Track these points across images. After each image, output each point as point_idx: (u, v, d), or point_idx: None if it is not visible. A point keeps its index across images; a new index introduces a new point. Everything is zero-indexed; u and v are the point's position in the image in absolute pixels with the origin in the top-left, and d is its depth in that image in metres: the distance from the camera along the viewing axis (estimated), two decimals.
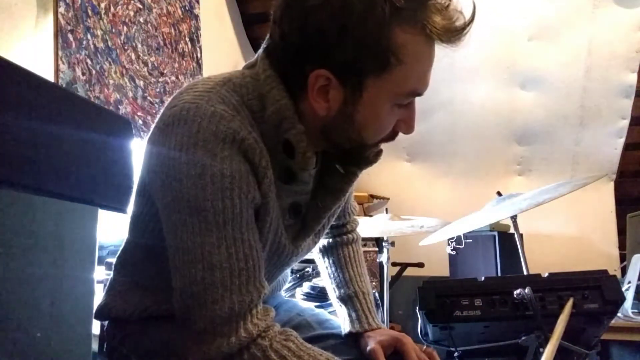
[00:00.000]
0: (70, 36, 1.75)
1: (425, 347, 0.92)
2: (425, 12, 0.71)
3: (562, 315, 1.01)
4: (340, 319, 1.02)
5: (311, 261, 1.24)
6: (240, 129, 0.72)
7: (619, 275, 2.70)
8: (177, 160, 0.71)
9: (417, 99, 0.80)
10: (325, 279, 1.09)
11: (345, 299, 1.02)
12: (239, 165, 0.72)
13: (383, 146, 0.86)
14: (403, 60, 0.72)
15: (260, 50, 0.81)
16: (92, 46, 1.85)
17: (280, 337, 0.73)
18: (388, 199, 3.44)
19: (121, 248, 0.93)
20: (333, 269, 1.07)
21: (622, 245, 3.02)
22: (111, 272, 0.94)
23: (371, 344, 0.92)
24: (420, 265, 2.92)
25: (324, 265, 1.10)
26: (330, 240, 1.10)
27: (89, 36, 1.84)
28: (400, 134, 0.83)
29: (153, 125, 0.78)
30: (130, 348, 0.88)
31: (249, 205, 0.73)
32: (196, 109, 0.72)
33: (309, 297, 1.67)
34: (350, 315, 1.00)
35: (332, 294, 1.06)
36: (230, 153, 0.71)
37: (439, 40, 0.73)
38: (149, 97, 2.16)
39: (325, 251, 1.10)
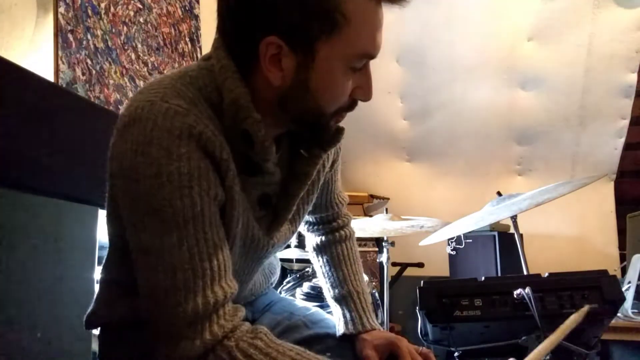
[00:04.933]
0: (70, 36, 1.75)
1: (421, 348, 0.91)
2: None
3: (568, 321, 0.94)
4: (335, 320, 1.00)
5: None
6: (196, 123, 0.70)
7: (619, 275, 2.70)
8: (133, 161, 0.68)
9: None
10: (320, 278, 1.07)
11: (339, 299, 1.01)
12: (197, 162, 0.69)
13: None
14: (351, 20, 0.70)
15: (213, 41, 0.79)
16: (92, 46, 1.85)
17: (248, 336, 0.71)
18: (388, 199, 3.43)
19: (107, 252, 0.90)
20: (327, 268, 1.05)
21: (622, 245, 3.02)
22: None
23: (366, 350, 0.91)
24: (420, 265, 2.91)
25: (318, 264, 1.08)
26: (324, 238, 1.07)
27: (89, 36, 1.83)
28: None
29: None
30: (119, 356, 0.85)
31: (211, 203, 0.71)
32: (150, 106, 0.70)
33: (309, 297, 1.67)
34: (344, 317, 0.98)
35: (327, 294, 1.04)
36: (187, 150, 0.69)
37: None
38: None
39: (319, 249, 1.08)
